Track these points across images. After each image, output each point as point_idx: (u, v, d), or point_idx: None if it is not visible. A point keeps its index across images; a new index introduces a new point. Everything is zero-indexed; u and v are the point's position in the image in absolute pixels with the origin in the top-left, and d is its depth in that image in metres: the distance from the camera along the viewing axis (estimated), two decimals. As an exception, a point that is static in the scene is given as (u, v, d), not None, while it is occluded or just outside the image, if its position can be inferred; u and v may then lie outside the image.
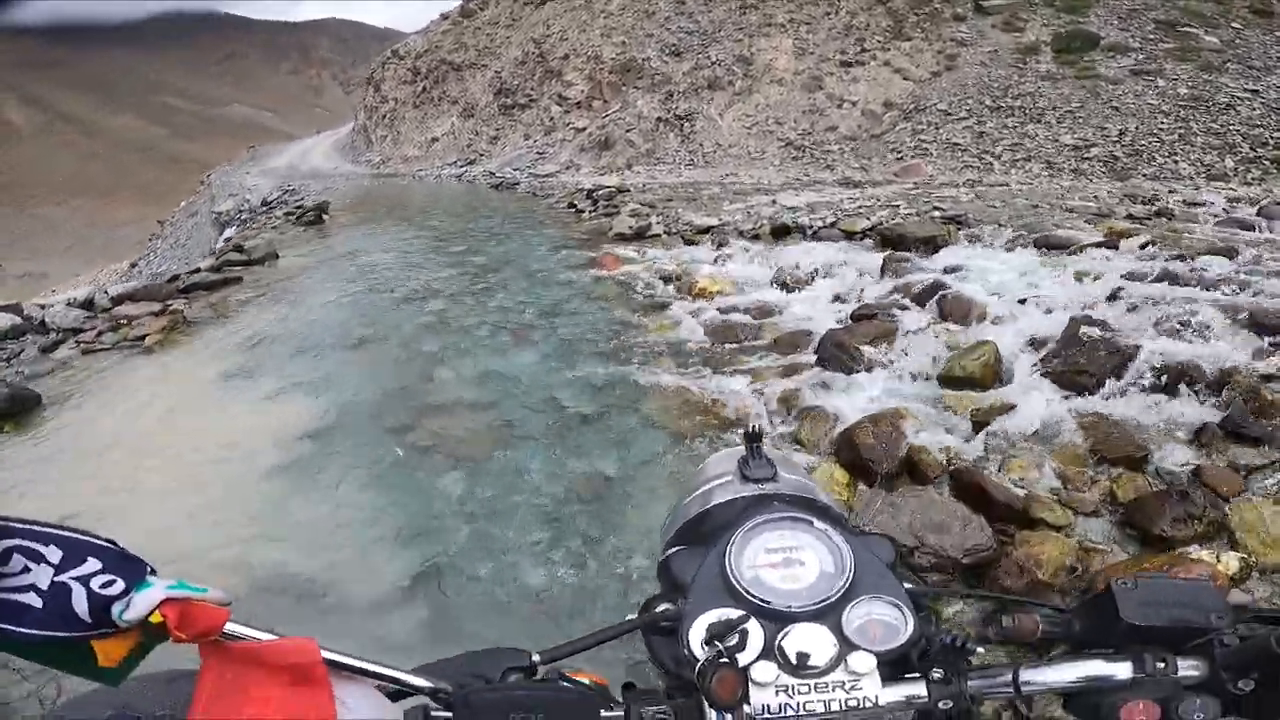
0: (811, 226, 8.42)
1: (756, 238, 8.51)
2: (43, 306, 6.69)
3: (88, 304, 6.89)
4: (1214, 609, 0.48)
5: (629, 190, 13.80)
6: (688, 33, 23.77)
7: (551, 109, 23.27)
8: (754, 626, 0.51)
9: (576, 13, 27.07)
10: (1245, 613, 0.50)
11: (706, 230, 9.06)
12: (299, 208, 13.99)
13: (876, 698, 0.49)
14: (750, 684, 0.49)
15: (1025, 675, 0.51)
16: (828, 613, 0.52)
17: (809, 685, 0.49)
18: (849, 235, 8.07)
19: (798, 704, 0.49)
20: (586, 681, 0.54)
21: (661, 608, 0.55)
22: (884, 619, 0.51)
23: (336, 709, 0.42)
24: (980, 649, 0.52)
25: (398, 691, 0.49)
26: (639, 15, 25.28)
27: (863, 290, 6.10)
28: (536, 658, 0.54)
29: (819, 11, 22.37)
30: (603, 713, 0.48)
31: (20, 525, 0.39)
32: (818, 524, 0.58)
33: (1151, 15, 18.24)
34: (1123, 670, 0.49)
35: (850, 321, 5.49)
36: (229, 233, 19.38)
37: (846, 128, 17.85)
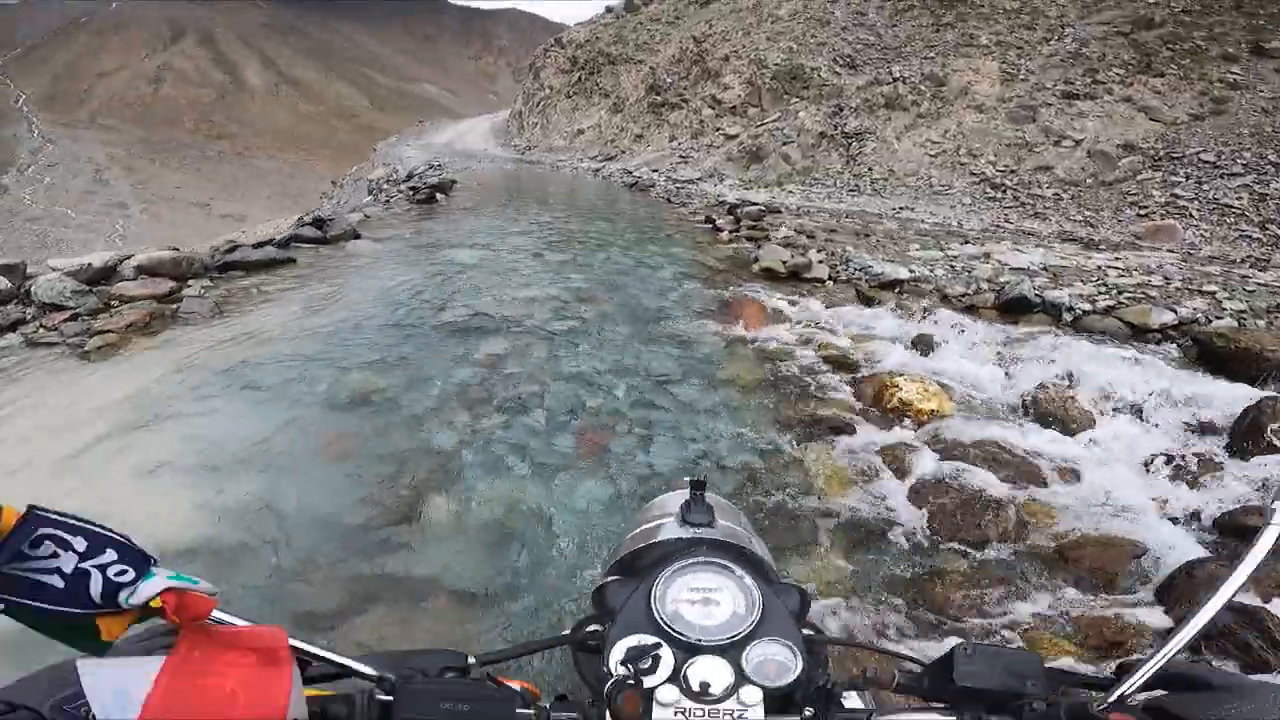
0: (1066, 305, 5.38)
1: (971, 309, 5.61)
2: (49, 270, 5.26)
3: (106, 273, 5.41)
4: (1031, 676, 0.53)
5: (780, 211, 11.10)
6: (867, 45, 20.47)
7: (703, 111, 20.91)
8: (666, 654, 0.56)
9: (742, 15, 24.50)
10: (1066, 678, 0.54)
11: (893, 285, 6.26)
12: (420, 185, 12.62)
13: None
14: (655, 704, 0.53)
15: None
16: (731, 649, 0.56)
17: (704, 710, 0.53)
18: (1136, 331, 5.00)
19: None
20: (517, 687, 0.58)
21: (591, 628, 0.61)
22: (778, 659, 0.55)
23: (291, 689, 0.45)
24: (849, 694, 0.59)
25: (344, 675, 0.52)
26: (811, 22, 22.27)
27: (1205, 458, 3.21)
28: (472, 660, 0.58)
29: (1035, 36, 18.28)
30: (518, 710, 0.52)
31: (55, 516, 0.44)
32: (737, 570, 0.63)
33: None
34: None
35: (1215, 532, 2.74)
36: (366, 199, 18.94)
37: (1065, 169, 13.94)
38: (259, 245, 7.37)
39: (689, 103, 21.95)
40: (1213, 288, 5.85)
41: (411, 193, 11.35)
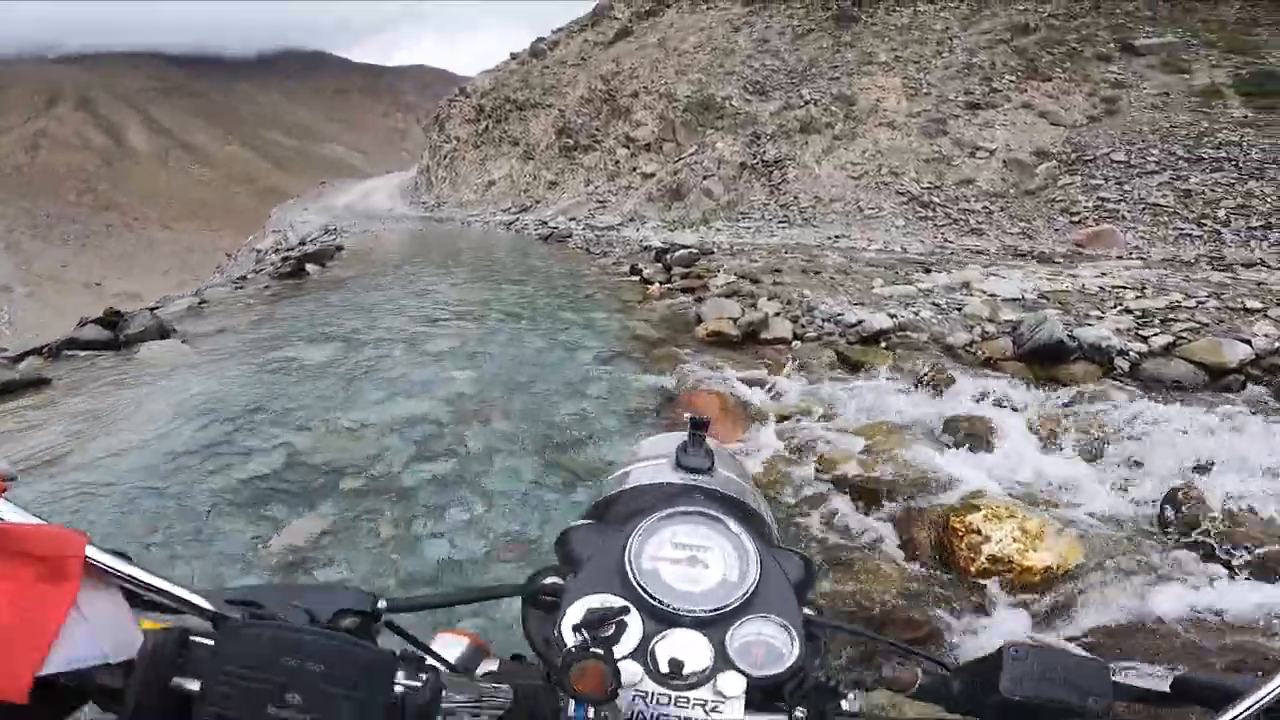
0: (1116, 348, 4.08)
1: (990, 363, 4.25)
2: None
3: None
4: (1095, 691, 0.42)
5: (713, 252, 9.75)
6: (774, 70, 20.09)
7: (617, 151, 19.78)
8: (634, 621, 0.45)
9: (648, 50, 23.87)
10: (1137, 693, 0.44)
11: (878, 338, 4.84)
12: (292, 256, 10.51)
13: None
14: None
15: None
16: (715, 623, 0.45)
17: (669, 696, 0.42)
18: (1212, 374, 3.74)
19: (652, 714, 0.42)
20: (464, 640, 0.51)
21: (549, 580, 0.48)
22: (771, 641, 0.45)
23: (69, 612, 0.34)
24: (852, 694, 0.45)
25: (168, 608, 0.38)
26: (717, 53, 21.82)
27: None
28: (382, 604, 0.43)
29: (927, 50, 18.33)
30: (400, 676, 0.36)
31: None
32: (734, 526, 0.51)
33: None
34: None
35: None
36: (217, 280, 16.44)
37: (987, 181, 13.47)
38: (18, 358, 5.19)
39: (602, 143, 20.81)
40: (1255, 303, 4.76)
41: (278, 266, 9.25)
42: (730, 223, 14.18)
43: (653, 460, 0.62)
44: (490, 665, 0.48)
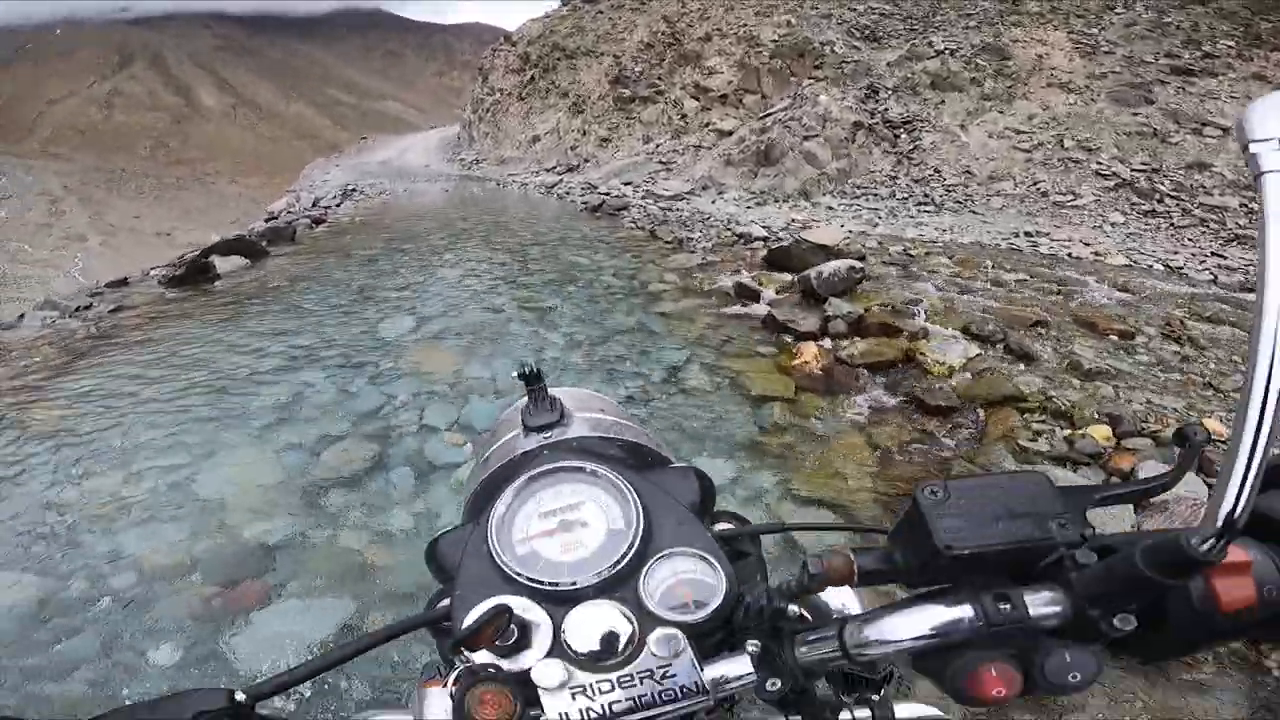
0: None
1: None
2: None
3: None
4: (1051, 512, 0.32)
5: (864, 257, 5.78)
6: (884, 15, 15.35)
7: (684, 103, 15.55)
8: (533, 614, 0.37)
9: (722, -9, 19.21)
10: (1096, 495, 0.34)
11: None
12: (246, 236, 7.02)
13: (697, 684, 0.35)
14: (539, 691, 0.35)
15: (851, 636, 0.35)
16: (619, 583, 0.38)
17: (611, 680, 0.35)
18: None
19: (601, 706, 0.35)
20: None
21: (442, 603, 0.41)
22: (690, 576, 0.38)
23: None
24: (795, 607, 0.36)
25: None
26: (807, -6, 17.08)
27: None
28: (241, 696, 0.35)
29: (1091, 4, 13.34)
30: None
31: None
32: (598, 470, 0.43)
33: None
34: (963, 615, 0.32)
35: None
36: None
37: (1229, 166, 8.94)
38: None
39: (665, 94, 16.56)
40: None
41: (174, 266, 5.66)
42: (844, 199, 10.05)
43: (504, 435, 0.52)
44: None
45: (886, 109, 11.71)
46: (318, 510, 2.65)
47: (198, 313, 5.02)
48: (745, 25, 16.34)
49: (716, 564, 0.37)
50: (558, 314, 4.98)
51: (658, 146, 15.17)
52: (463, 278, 6.06)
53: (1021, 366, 3.55)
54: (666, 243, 7.40)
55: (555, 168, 18.52)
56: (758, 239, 7.00)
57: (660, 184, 12.37)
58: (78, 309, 4.54)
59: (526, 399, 0.52)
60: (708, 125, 14.16)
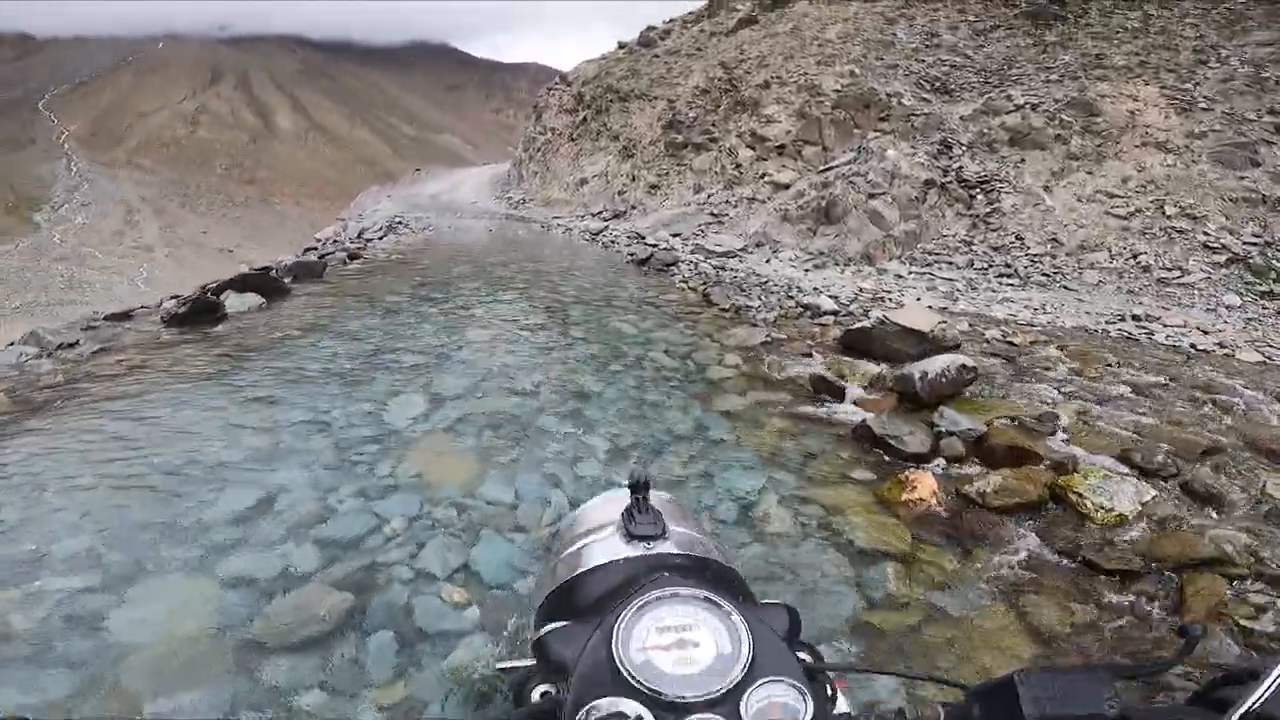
0: None
1: None
2: None
3: None
4: (1107, 695, 0.42)
5: (962, 345, 4.83)
6: (955, 67, 14.58)
7: (739, 152, 14.95)
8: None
9: (779, 39, 18.78)
10: (1139, 671, 0.45)
11: None
12: (204, 292, 6.58)
13: None
14: None
15: None
16: (725, 700, 0.43)
17: None
18: None
19: None
20: None
21: (540, 690, 0.46)
22: (784, 702, 0.43)
23: None
24: None
25: None
26: (870, 45, 16.47)
27: None
28: None
29: (1182, 58, 12.32)
30: None
31: None
32: (712, 598, 0.49)
33: None
34: None
35: None
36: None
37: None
38: None
39: (719, 142, 16.03)
40: None
41: (180, 303, 5.13)
42: (913, 265, 9.11)
43: (598, 533, 0.56)
44: None
45: (961, 166, 10.82)
46: (254, 685, 1.85)
47: (186, 364, 4.41)
48: (806, 74, 15.78)
49: (804, 693, 0.42)
50: (599, 404, 4.19)
51: (709, 196, 14.56)
52: (492, 343, 5.37)
53: (1213, 514, 2.60)
54: (723, 310, 6.60)
55: (601, 213, 18.12)
56: (827, 313, 6.14)
57: (711, 237, 11.67)
58: (60, 346, 4.00)
59: (628, 502, 0.55)
60: (763, 176, 13.48)
